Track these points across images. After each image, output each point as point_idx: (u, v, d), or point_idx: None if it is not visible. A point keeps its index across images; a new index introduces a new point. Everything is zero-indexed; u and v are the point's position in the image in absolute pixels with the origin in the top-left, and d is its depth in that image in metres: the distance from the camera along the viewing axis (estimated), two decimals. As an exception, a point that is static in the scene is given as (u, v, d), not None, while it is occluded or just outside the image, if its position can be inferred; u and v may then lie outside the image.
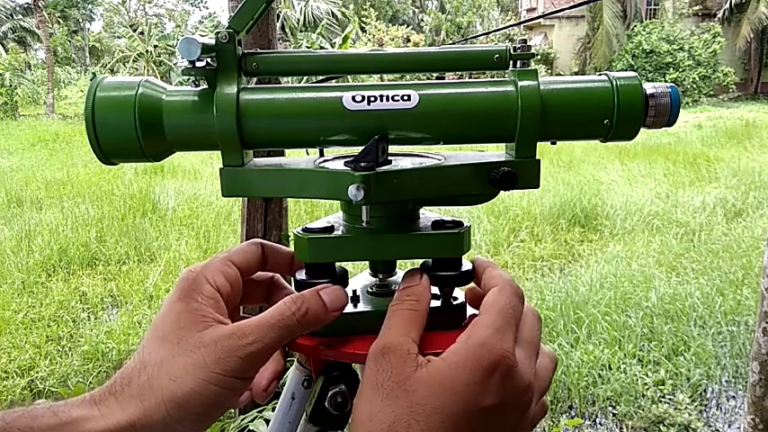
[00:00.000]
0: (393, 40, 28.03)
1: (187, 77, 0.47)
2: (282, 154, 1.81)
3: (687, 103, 20.15)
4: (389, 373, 0.38)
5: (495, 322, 0.40)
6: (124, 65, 25.77)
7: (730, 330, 3.43)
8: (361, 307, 0.49)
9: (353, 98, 0.46)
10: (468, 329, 0.40)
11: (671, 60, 21.45)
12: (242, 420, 1.88)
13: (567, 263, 4.91)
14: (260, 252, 0.49)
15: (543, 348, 0.45)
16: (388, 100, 0.46)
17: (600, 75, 0.49)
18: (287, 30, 24.72)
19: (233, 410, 2.08)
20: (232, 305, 0.46)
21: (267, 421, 1.79)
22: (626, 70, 0.51)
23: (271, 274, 0.52)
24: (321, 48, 17.78)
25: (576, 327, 3.45)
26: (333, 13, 27.75)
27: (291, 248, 0.51)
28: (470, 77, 0.58)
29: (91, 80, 0.47)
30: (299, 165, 0.50)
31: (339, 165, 0.48)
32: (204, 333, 0.40)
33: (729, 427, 2.76)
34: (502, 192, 0.49)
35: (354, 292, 0.51)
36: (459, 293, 0.49)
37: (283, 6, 24.58)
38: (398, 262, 0.53)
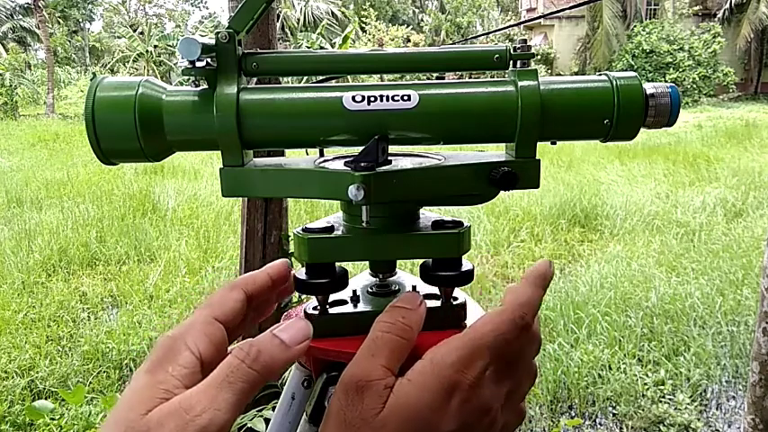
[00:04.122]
0: (393, 40, 28.02)
1: (187, 77, 0.47)
2: (282, 154, 1.81)
3: (687, 103, 20.14)
4: (359, 410, 0.37)
5: (467, 346, 0.39)
6: (124, 65, 25.73)
7: (730, 330, 3.43)
8: (361, 307, 0.49)
9: (353, 98, 0.46)
10: (437, 346, 0.40)
11: (671, 60, 21.44)
12: (241, 419, 1.88)
13: (567, 263, 4.91)
14: (243, 297, 0.45)
15: (525, 366, 0.43)
16: (388, 100, 0.46)
17: (600, 75, 0.49)
18: (287, 30, 24.72)
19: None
20: (217, 362, 0.40)
21: (267, 420, 1.79)
22: (626, 70, 0.51)
23: (266, 284, 0.47)
24: (321, 48, 17.77)
25: (575, 327, 3.45)
26: (333, 13, 27.77)
27: (267, 271, 0.47)
28: (470, 77, 0.58)
29: (91, 80, 0.46)
30: (299, 165, 0.50)
31: (339, 165, 0.48)
32: (150, 416, 0.35)
33: (729, 427, 2.75)
34: (502, 192, 0.49)
35: (354, 292, 0.50)
36: (459, 293, 0.49)
37: (283, 6, 24.57)
38: (398, 261, 0.53)
